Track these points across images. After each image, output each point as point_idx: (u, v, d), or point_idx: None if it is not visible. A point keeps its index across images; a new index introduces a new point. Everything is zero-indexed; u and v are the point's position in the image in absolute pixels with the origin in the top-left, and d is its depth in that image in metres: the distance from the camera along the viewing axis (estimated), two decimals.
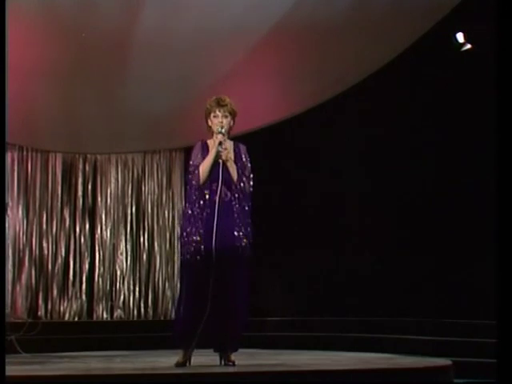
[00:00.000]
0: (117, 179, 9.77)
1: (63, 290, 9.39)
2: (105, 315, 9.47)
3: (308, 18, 8.07)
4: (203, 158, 5.33)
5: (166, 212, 9.77)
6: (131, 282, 9.60)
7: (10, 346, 7.01)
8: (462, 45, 8.08)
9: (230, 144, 5.43)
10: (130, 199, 9.78)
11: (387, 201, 8.56)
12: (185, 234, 5.26)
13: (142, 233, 9.74)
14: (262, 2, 7.97)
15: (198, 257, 5.16)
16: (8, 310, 8.71)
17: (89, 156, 9.71)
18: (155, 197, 9.81)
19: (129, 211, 9.74)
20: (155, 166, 9.87)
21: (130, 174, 9.83)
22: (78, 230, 9.56)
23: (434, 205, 8.15)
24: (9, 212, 8.52)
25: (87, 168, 9.70)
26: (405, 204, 8.40)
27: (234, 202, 5.28)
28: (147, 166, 9.85)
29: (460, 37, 8.07)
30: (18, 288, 9.15)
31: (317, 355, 6.93)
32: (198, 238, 5.19)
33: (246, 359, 5.72)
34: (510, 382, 3.94)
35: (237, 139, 5.66)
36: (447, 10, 8.22)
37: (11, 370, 4.69)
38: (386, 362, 5.95)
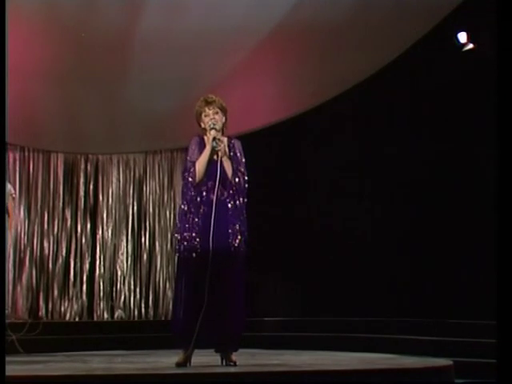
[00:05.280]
0: (118, 179, 9.79)
1: (64, 290, 9.41)
2: (105, 315, 9.49)
3: (309, 19, 8.07)
4: (200, 153, 5.32)
5: (168, 212, 9.79)
6: (132, 283, 9.62)
7: (11, 346, 7.01)
8: (464, 45, 8.07)
9: (224, 140, 5.42)
10: (131, 199, 9.80)
11: (387, 201, 8.56)
12: (181, 230, 5.26)
13: (143, 233, 9.75)
14: (263, 3, 7.97)
15: (194, 254, 5.17)
16: (9, 310, 8.72)
17: (90, 156, 9.73)
18: (157, 197, 9.83)
19: (130, 211, 9.76)
20: (156, 166, 9.89)
21: (132, 174, 9.85)
22: (79, 230, 9.58)
23: (434, 205, 8.15)
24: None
25: (89, 168, 9.72)
26: (404, 204, 8.40)
27: (228, 200, 5.27)
28: (149, 166, 9.87)
29: (462, 37, 8.07)
30: (18, 288, 9.16)
31: (317, 355, 6.91)
32: (194, 235, 5.19)
33: (246, 359, 5.72)
34: (510, 382, 3.94)
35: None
36: (448, 11, 8.22)
37: (11, 369, 4.69)
38: (386, 362, 5.94)
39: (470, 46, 8.06)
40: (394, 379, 4.87)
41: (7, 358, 4.41)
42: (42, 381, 4.41)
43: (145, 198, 9.83)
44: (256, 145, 8.79)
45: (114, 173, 9.79)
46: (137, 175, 9.86)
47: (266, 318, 8.91)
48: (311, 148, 9.12)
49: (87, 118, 9.03)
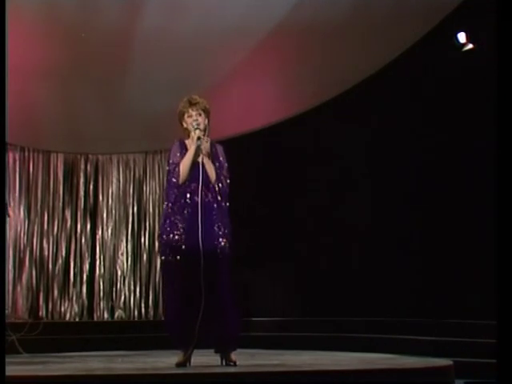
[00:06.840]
0: (118, 179, 9.79)
1: (64, 290, 9.41)
2: (105, 315, 9.48)
3: (309, 19, 8.08)
4: (182, 156, 5.33)
5: None
6: (132, 283, 9.61)
7: (11, 346, 7.02)
8: (464, 45, 8.08)
9: (208, 140, 5.43)
10: (131, 199, 9.80)
11: (387, 201, 8.55)
12: (165, 233, 5.24)
13: (143, 233, 9.75)
14: (263, 3, 7.97)
15: (178, 256, 5.15)
16: (9, 310, 8.72)
17: (90, 156, 9.73)
18: (156, 197, 9.83)
19: (130, 211, 9.76)
20: (156, 166, 9.89)
21: (132, 174, 9.85)
22: (79, 230, 9.58)
23: (435, 205, 8.15)
24: (10, 212, 8.52)
25: (89, 168, 9.72)
26: (405, 204, 8.39)
27: (212, 202, 5.27)
28: (148, 166, 9.87)
29: (461, 37, 8.07)
30: (18, 288, 9.16)
31: (317, 355, 6.92)
32: (178, 238, 5.18)
33: (246, 359, 5.73)
34: (510, 382, 3.94)
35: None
36: (448, 11, 8.22)
37: (12, 370, 4.70)
38: (386, 362, 5.94)
39: (470, 45, 8.06)
40: (394, 379, 4.87)
41: (7, 358, 4.41)
42: (42, 381, 4.42)
43: (145, 198, 9.82)
44: (255, 145, 8.81)
45: (114, 173, 9.79)
46: (137, 175, 9.85)
47: (266, 318, 8.91)
48: (311, 147, 9.11)
49: (87, 117, 9.03)
